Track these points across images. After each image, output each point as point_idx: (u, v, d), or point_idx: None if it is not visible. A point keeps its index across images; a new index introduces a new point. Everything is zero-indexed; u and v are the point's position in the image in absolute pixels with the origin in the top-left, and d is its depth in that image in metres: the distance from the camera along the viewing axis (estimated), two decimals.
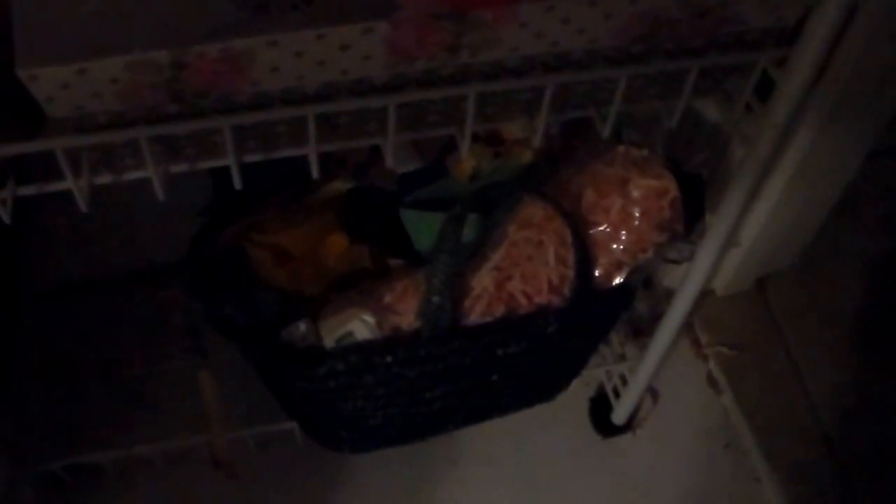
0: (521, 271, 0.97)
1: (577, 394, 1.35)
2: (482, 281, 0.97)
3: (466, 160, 1.01)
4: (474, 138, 0.85)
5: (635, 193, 0.97)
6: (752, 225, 1.30)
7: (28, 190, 0.74)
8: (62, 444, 1.20)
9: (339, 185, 1.07)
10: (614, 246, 1.00)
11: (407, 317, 0.97)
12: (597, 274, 0.98)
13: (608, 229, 0.99)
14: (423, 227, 1.04)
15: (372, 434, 1.05)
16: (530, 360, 1.03)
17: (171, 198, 1.13)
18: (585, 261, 0.96)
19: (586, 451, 1.35)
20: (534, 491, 1.32)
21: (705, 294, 1.21)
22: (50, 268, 1.18)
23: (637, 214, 0.99)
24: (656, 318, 1.18)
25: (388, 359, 0.96)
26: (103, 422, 1.23)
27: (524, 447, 1.32)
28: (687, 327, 1.21)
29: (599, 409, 1.35)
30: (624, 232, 0.99)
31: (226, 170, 0.83)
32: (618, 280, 0.99)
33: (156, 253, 1.30)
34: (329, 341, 0.96)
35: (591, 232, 0.98)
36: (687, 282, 1.06)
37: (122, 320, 1.27)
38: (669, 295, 1.14)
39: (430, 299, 0.93)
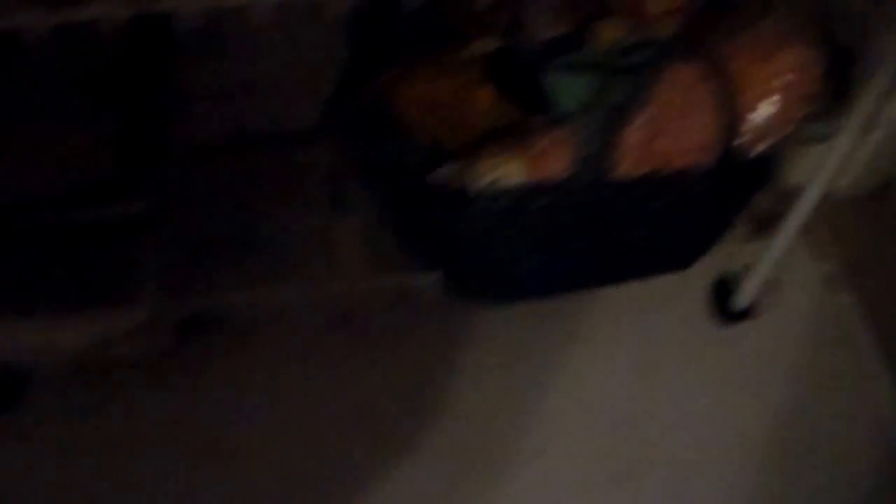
0: (667, 130, 0.98)
1: (695, 281, 1.38)
2: (630, 137, 0.99)
3: (608, 30, 1.02)
4: (617, 11, 0.87)
5: (784, 62, 0.98)
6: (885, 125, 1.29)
7: None
8: (199, 290, 1.22)
9: (486, 44, 1.08)
10: (759, 115, 1.00)
11: (555, 166, 0.99)
12: (741, 141, 0.99)
13: (754, 97, 1.00)
14: (565, 91, 1.06)
15: (513, 285, 1.08)
16: (671, 221, 1.05)
17: (307, 61, 1.18)
18: (731, 126, 0.97)
19: (701, 337, 1.37)
20: (647, 370, 1.35)
21: (830, 193, 1.22)
22: (188, 127, 1.20)
23: (784, 85, 0.99)
24: (779, 214, 1.18)
25: (537, 203, 0.98)
26: (238, 272, 1.26)
27: (642, 327, 1.35)
28: (809, 225, 1.21)
29: (720, 295, 1.36)
30: (770, 101, 0.99)
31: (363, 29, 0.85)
32: (760, 149, 1.00)
33: (292, 117, 1.32)
34: (479, 185, 0.98)
35: (737, 99, 0.98)
36: (821, 168, 1.06)
37: (259, 179, 1.30)
38: (795, 192, 1.14)
39: (582, 149, 0.95)
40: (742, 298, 1.33)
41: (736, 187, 1.07)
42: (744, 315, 1.35)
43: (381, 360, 1.32)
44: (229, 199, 1.25)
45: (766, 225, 1.40)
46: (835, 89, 1.04)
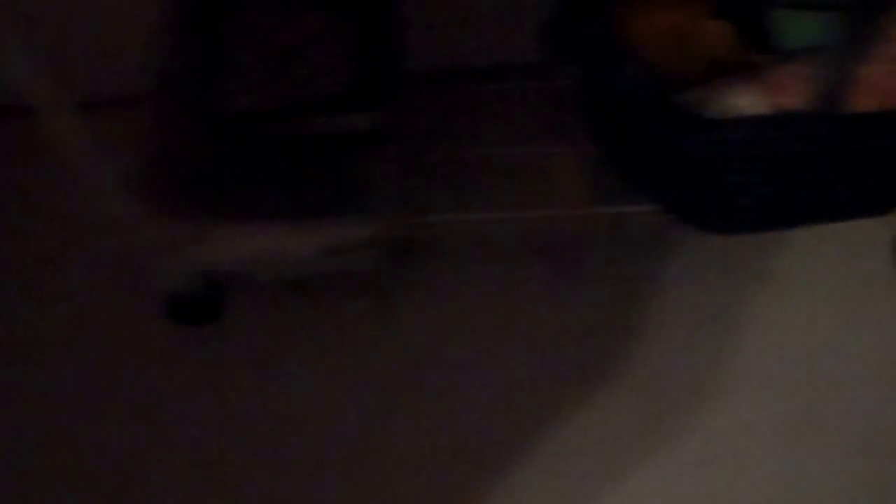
0: None
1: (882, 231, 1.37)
2: (867, 73, 0.98)
3: None
4: None
5: None
6: None
7: None
8: (420, 210, 1.26)
9: None
10: None
11: (791, 99, 1.00)
12: None
13: None
14: (793, 27, 1.07)
15: (738, 215, 1.08)
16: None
17: None
18: None
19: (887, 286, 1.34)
20: (836, 314, 1.35)
21: None
22: (413, 55, 1.23)
23: None
24: None
25: (772, 134, 0.98)
26: (456, 196, 1.30)
27: (831, 272, 1.36)
28: None
29: None
30: None
31: None
32: None
33: (511, 51, 1.34)
34: (718, 112, 0.99)
35: None
36: None
37: (482, 107, 1.33)
38: None
39: (819, 84, 0.95)
40: None
41: None
42: None
43: (581, 289, 1.34)
44: (450, 124, 1.26)
45: None
46: None
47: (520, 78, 1.32)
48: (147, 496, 1.23)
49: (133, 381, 1.31)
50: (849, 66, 0.99)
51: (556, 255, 1.28)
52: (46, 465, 1.26)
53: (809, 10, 1.08)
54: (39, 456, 1.27)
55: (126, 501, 1.23)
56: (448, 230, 1.24)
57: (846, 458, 1.23)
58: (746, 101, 1.01)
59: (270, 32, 1.07)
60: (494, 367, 1.29)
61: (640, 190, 1.16)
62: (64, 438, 1.28)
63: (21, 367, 1.33)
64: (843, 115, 1.01)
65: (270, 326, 1.33)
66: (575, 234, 1.21)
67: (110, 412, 1.29)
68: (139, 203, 1.08)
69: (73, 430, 1.28)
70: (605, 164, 1.17)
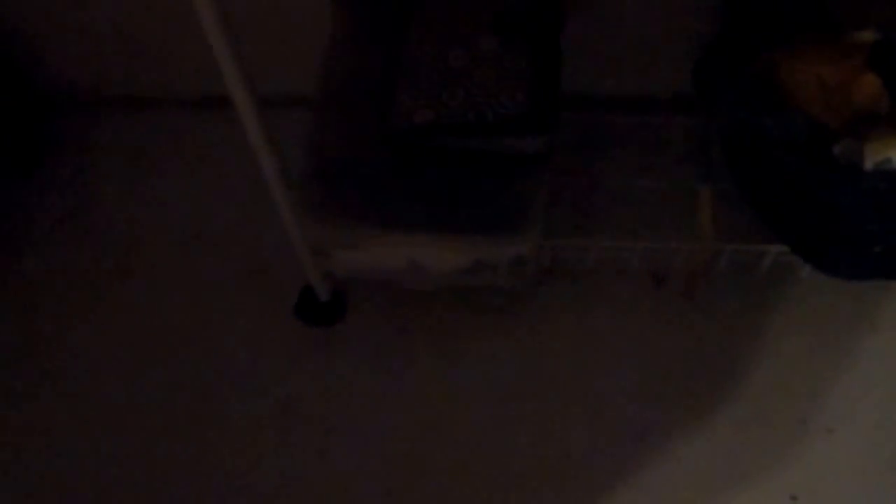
0: None
1: None
2: None
3: None
4: None
5: None
6: None
7: None
8: (569, 233, 1.34)
9: (868, 35, 1.15)
10: None
11: None
12: None
13: None
14: None
15: (871, 262, 1.14)
16: None
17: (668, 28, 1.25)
18: None
19: None
20: None
21: None
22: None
23: None
24: None
25: None
26: (601, 222, 1.37)
27: None
28: None
29: None
30: None
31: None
32: None
33: (653, 85, 1.40)
34: (869, 164, 1.05)
35: None
36: None
37: (623, 139, 1.40)
38: None
39: None
40: None
41: None
42: None
43: (696, 319, 1.39)
44: (594, 150, 1.32)
45: None
46: None
47: (664, 111, 1.36)
48: (275, 486, 1.29)
49: (263, 377, 1.37)
50: None
51: (675, 284, 1.33)
52: (184, 453, 1.31)
53: None
54: (175, 444, 1.32)
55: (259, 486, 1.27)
56: (581, 253, 1.28)
57: None
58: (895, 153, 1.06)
59: (445, 50, 1.12)
60: (606, 389, 1.35)
61: (773, 229, 1.21)
62: (189, 429, 1.34)
63: (153, 360, 1.39)
64: None
65: (394, 332, 1.39)
66: (697, 267, 1.25)
67: (236, 402, 1.35)
68: (301, 202, 1.13)
69: (203, 419, 1.34)
70: (739, 201, 1.22)
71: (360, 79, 1.18)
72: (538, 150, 1.11)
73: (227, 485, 1.28)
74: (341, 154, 1.14)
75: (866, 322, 1.40)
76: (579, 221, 1.33)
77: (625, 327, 1.37)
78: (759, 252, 1.27)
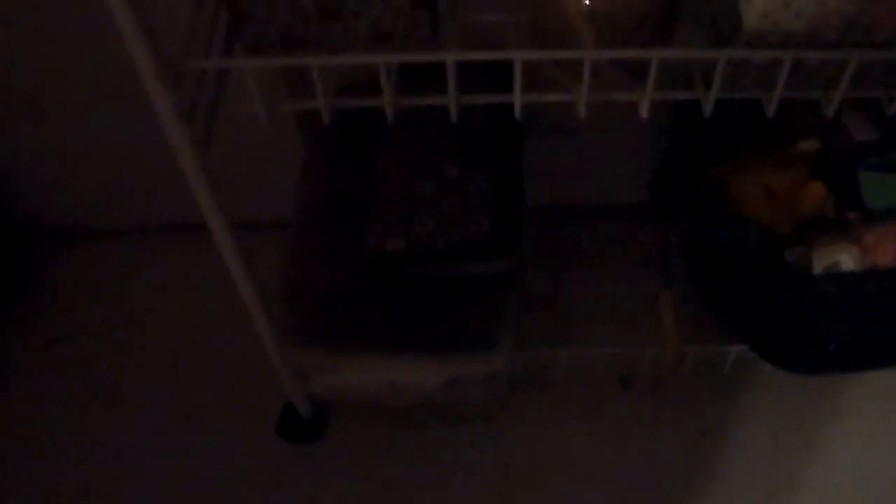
0: None
1: None
2: None
3: None
4: None
5: None
6: None
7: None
8: (539, 345, 1.39)
9: (811, 145, 1.23)
10: None
11: (884, 257, 1.13)
12: None
13: None
14: (878, 188, 1.20)
15: (825, 359, 1.20)
16: None
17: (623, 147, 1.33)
18: None
19: None
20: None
21: None
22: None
23: None
24: None
25: (864, 288, 1.11)
26: (558, 326, 1.42)
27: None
28: None
29: None
30: None
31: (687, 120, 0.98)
32: None
33: (613, 196, 1.48)
34: (818, 268, 1.12)
35: None
36: None
37: (586, 248, 1.47)
38: None
39: None
40: None
41: None
42: None
43: (663, 421, 1.45)
44: (562, 261, 1.39)
45: None
46: None
47: (625, 219, 1.43)
48: None
49: (241, 493, 1.40)
50: None
51: (643, 386, 1.39)
52: None
53: (894, 174, 1.21)
54: None
55: None
56: (551, 362, 1.34)
57: None
58: (846, 258, 1.13)
59: (412, 179, 1.18)
60: (580, 494, 1.39)
61: (733, 331, 1.27)
62: None
63: (139, 480, 1.42)
64: None
65: (374, 447, 1.43)
66: (663, 369, 1.30)
67: None
68: (280, 327, 1.18)
69: None
70: (700, 305, 1.28)
71: (332, 204, 1.24)
72: (506, 271, 1.16)
73: None
74: (318, 279, 1.19)
75: (831, 411, 1.46)
76: (549, 329, 1.37)
77: (596, 432, 1.43)
78: (721, 352, 1.31)
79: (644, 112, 0.88)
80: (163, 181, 1.30)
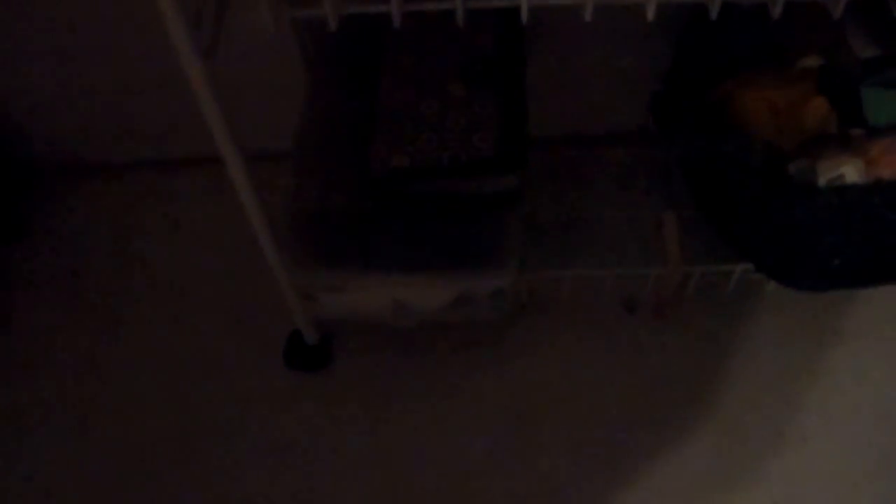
0: None
1: None
2: None
3: None
4: None
5: None
6: None
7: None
8: (544, 265, 1.39)
9: (814, 61, 1.23)
10: None
11: (888, 169, 1.13)
12: None
13: None
14: (881, 104, 1.20)
15: (831, 273, 1.21)
16: None
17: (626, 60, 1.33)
18: None
19: None
20: None
21: None
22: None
23: None
24: None
25: (875, 199, 1.11)
26: (562, 250, 1.42)
27: None
28: None
29: None
30: None
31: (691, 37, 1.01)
32: None
33: (616, 120, 1.48)
34: (822, 181, 1.12)
35: None
36: None
37: (590, 173, 1.48)
38: None
39: None
40: None
41: None
42: None
43: (668, 343, 1.47)
44: (566, 187, 1.39)
45: None
46: None
47: (627, 144, 1.44)
48: None
49: (252, 421, 1.41)
50: None
51: (645, 309, 1.41)
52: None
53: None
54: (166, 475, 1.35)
55: None
56: (555, 285, 1.34)
57: None
58: (847, 170, 1.13)
59: (417, 98, 1.18)
60: (587, 415, 1.40)
61: (737, 249, 1.28)
62: (182, 470, 1.37)
63: (144, 410, 1.43)
64: None
65: (381, 372, 1.44)
66: (667, 291, 1.31)
67: (230, 446, 1.39)
68: (287, 248, 1.18)
69: (195, 461, 1.38)
70: (704, 225, 1.29)
71: (336, 127, 1.24)
72: (511, 188, 1.16)
73: None
74: (322, 200, 1.20)
75: (832, 332, 1.47)
76: (553, 253, 1.38)
77: (601, 355, 1.44)
78: (725, 272, 1.32)
79: (651, 14, 0.87)
80: (168, 113, 1.30)
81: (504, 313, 1.25)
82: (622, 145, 1.48)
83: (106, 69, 1.45)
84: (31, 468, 1.37)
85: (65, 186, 1.66)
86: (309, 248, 1.19)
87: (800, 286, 1.23)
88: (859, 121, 1.21)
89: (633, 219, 1.37)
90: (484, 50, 1.22)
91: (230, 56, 0.91)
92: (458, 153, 1.13)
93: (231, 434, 1.39)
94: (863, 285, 1.29)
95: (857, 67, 1.23)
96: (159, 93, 1.31)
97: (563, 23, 1.12)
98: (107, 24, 1.38)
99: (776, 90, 1.20)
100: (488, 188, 1.16)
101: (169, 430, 1.40)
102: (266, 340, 1.44)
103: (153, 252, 1.58)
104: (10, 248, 1.59)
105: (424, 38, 1.17)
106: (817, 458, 1.37)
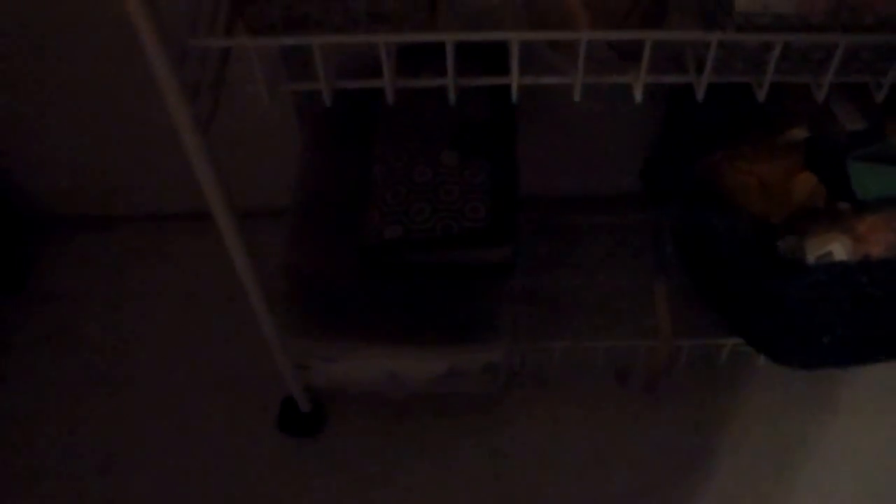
0: None
1: None
2: None
3: None
4: None
5: None
6: None
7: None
8: (534, 337, 1.39)
9: (801, 133, 1.25)
10: None
11: (876, 246, 1.14)
12: None
13: None
14: (868, 178, 1.22)
15: (819, 352, 1.22)
16: None
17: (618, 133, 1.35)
18: None
19: None
20: None
21: None
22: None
23: None
24: None
25: (858, 279, 1.13)
26: (555, 318, 1.43)
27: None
28: None
29: None
30: None
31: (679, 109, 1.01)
32: None
33: (607, 185, 1.50)
34: (811, 258, 1.14)
35: None
36: None
37: (581, 238, 1.49)
38: None
39: None
40: None
41: None
42: None
43: (660, 415, 1.47)
44: (557, 252, 1.41)
45: None
46: None
47: (619, 209, 1.46)
48: None
49: (242, 487, 1.41)
50: None
51: (636, 381, 1.41)
52: None
53: (884, 164, 1.22)
54: None
55: None
56: (547, 355, 1.35)
57: None
58: (836, 247, 1.14)
59: (410, 166, 1.20)
60: (578, 489, 1.41)
61: (727, 323, 1.28)
62: None
63: (134, 470, 1.43)
64: None
65: (371, 441, 1.44)
66: (658, 363, 1.32)
67: None
68: (281, 316, 1.18)
69: None
70: (694, 297, 1.29)
71: (330, 194, 1.26)
72: (503, 260, 1.17)
73: None
74: (317, 268, 1.21)
75: (825, 406, 1.47)
76: (545, 322, 1.39)
77: (592, 426, 1.44)
78: (716, 345, 1.32)
79: (638, 95, 0.89)
80: (164, 169, 1.32)
81: (497, 387, 1.24)
82: (614, 209, 1.48)
83: (105, 126, 1.48)
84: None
85: (61, 238, 1.68)
86: (303, 318, 1.20)
87: (790, 363, 1.24)
88: (847, 194, 1.21)
89: (624, 286, 1.38)
90: (477, 117, 1.23)
91: (225, 118, 0.93)
92: (451, 224, 1.14)
93: (225, 498, 1.39)
94: (852, 364, 1.30)
95: (843, 140, 1.23)
96: (157, 149, 1.33)
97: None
98: (107, 82, 1.40)
99: (764, 163, 1.21)
100: (481, 260, 1.16)
101: (160, 492, 1.38)
102: (261, 405, 1.45)
103: (149, 308, 1.59)
104: (9, 297, 1.58)
105: (418, 104, 1.18)
106: None
